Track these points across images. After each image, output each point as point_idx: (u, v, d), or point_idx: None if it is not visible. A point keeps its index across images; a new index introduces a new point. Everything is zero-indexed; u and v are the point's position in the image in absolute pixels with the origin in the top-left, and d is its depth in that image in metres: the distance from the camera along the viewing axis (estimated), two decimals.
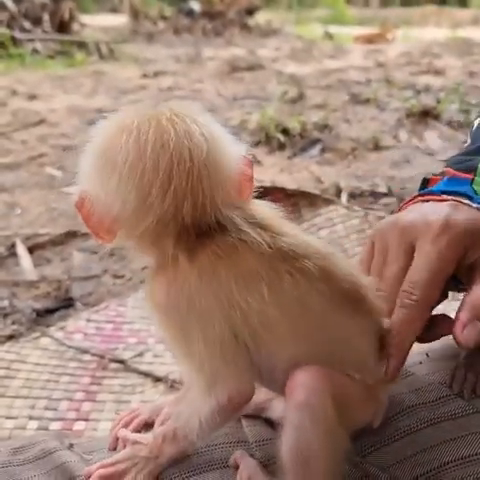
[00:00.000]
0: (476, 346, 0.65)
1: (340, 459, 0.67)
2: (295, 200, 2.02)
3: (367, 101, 4.35)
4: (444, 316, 0.69)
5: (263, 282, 0.59)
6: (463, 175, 0.74)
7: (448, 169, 0.76)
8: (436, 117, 3.69)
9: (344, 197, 2.48)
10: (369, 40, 9.24)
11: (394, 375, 0.67)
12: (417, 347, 1.02)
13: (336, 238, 1.86)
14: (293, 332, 0.63)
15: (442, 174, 0.77)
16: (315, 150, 3.24)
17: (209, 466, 0.75)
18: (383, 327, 0.68)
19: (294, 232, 0.64)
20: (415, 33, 10.53)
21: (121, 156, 0.57)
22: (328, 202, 2.02)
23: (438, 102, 3.93)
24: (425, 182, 0.77)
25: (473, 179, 0.73)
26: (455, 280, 0.70)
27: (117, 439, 0.84)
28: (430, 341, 0.75)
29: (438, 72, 5.68)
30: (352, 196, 2.53)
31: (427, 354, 0.94)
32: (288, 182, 2.66)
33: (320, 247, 0.64)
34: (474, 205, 0.70)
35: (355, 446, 0.79)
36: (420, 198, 0.76)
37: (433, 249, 0.66)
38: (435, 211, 0.69)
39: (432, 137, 3.34)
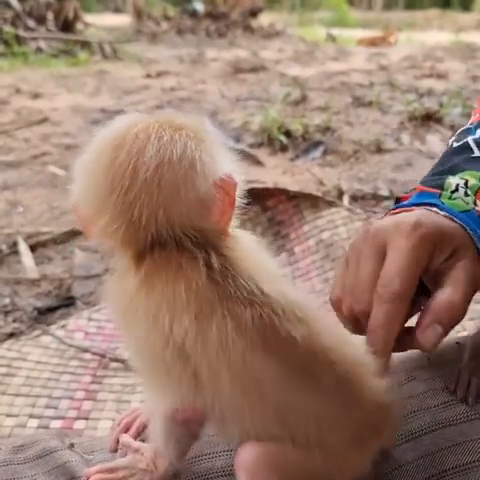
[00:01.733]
0: (434, 348, 0.66)
1: None
2: (297, 202, 2.01)
3: (370, 104, 4.35)
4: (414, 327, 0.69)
5: (188, 313, 0.56)
6: (432, 190, 0.76)
7: (418, 186, 0.79)
8: (439, 121, 3.69)
9: (346, 200, 2.48)
10: (372, 43, 9.25)
11: (382, 371, 0.67)
12: (418, 351, 1.01)
13: (338, 240, 1.86)
14: (212, 376, 0.57)
15: (412, 191, 0.79)
16: (317, 152, 3.24)
17: (210, 474, 0.75)
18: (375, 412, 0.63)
19: (267, 278, 0.59)
20: (418, 36, 10.55)
21: (90, 166, 0.61)
22: (330, 204, 2.01)
23: (441, 106, 3.93)
24: (397, 200, 0.80)
25: (441, 193, 0.75)
26: (426, 292, 0.72)
27: (118, 441, 0.84)
28: (401, 351, 0.75)
29: (441, 76, 5.68)
30: (354, 199, 2.53)
31: (429, 358, 0.94)
32: (290, 184, 2.66)
33: (304, 307, 0.59)
34: (441, 213, 0.72)
35: None
36: (392, 212, 0.78)
37: (407, 243, 0.67)
38: (405, 216, 0.71)
39: (434, 140, 3.34)
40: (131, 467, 0.74)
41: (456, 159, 0.82)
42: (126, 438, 0.79)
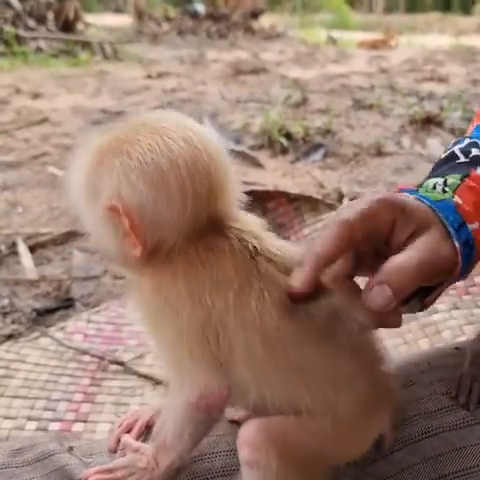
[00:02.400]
0: (382, 308, 0.64)
1: None
2: (297, 204, 2.01)
3: (370, 107, 4.35)
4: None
5: (232, 289, 0.62)
6: (411, 187, 0.77)
7: (399, 185, 0.80)
8: (439, 124, 3.69)
9: (346, 202, 2.48)
10: (373, 46, 9.25)
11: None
12: (419, 356, 1.01)
13: None
14: (247, 346, 0.63)
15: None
16: (318, 155, 3.24)
17: (210, 474, 0.74)
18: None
19: (289, 254, 0.67)
20: (419, 40, 10.55)
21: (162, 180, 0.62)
22: (330, 207, 2.01)
23: (441, 109, 3.93)
24: None
25: (418, 189, 0.75)
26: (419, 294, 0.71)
27: (118, 442, 0.84)
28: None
29: (441, 79, 5.68)
30: None
31: (429, 363, 0.94)
32: (290, 186, 2.66)
33: None
34: (411, 196, 0.72)
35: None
36: None
37: (364, 199, 0.68)
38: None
39: (435, 144, 3.34)
40: (130, 466, 0.73)
41: (442, 167, 0.82)
42: (127, 438, 0.79)
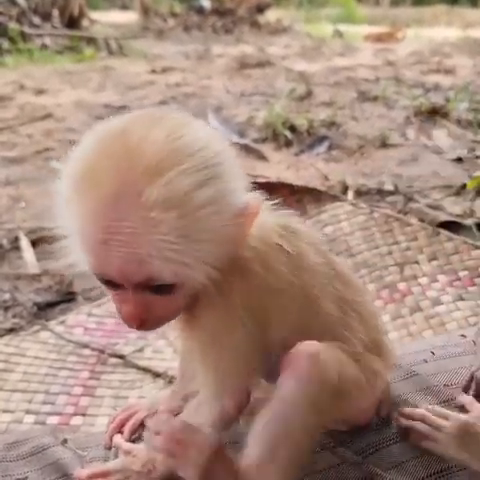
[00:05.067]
0: None
1: (312, 441, 0.69)
2: (300, 196, 2.00)
3: (375, 99, 4.32)
4: None
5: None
6: None
7: None
8: (445, 115, 3.65)
9: (350, 195, 2.46)
10: (379, 39, 9.19)
11: None
12: (421, 344, 1.00)
13: (341, 235, 1.84)
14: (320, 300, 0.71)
15: None
16: (322, 147, 3.22)
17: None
18: None
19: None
20: (426, 32, 10.47)
21: None
22: (334, 199, 2.00)
23: (447, 101, 3.90)
24: None
25: None
26: None
27: (112, 438, 0.83)
28: None
29: (448, 71, 5.63)
30: (358, 194, 2.51)
31: (432, 352, 0.92)
32: (294, 179, 2.64)
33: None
34: None
35: (356, 445, 0.78)
36: None
37: None
38: None
39: (440, 135, 3.31)
40: (124, 470, 0.72)
41: None
42: (117, 439, 0.78)
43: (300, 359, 0.66)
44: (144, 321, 0.65)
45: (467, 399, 0.77)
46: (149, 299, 0.64)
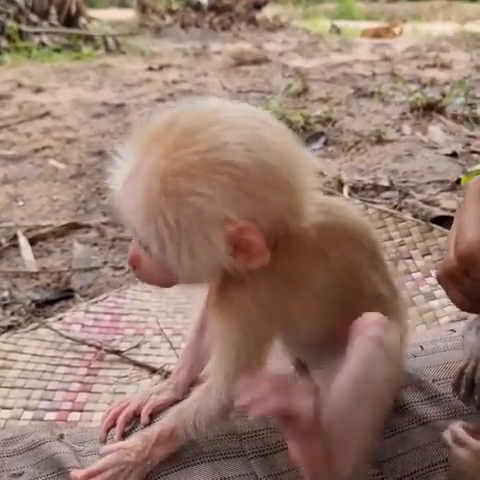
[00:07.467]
0: None
1: (392, 398, 0.73)
2: None
3: (371, 95, 4.32)
4: None
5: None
6: None
7: None
8: (441, 111, 3.66)
9: (346, 190, 2.47)
10: (377, 34, 9.17)
11: None
12: (411, 338, 1.00)
13: None
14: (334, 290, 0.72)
15: None
16: (318, 143, 3.23)
17: (198, 458, 0.75)
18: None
19: None
20: (423, 27, 10.45)
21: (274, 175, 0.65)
22: (329, 195, 2.01)
23: (443, 96, 3.90)
24: None
25: None
26: None
27: (107, 432, 0.84)
28: None
29: (445, 66, 5.63)
30: (354, 189, 2.52)
31: (421, 346, 0.93)
32: None
33: None
34: None
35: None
36: None
37: None
38: None
39: (436, 131, 3.32)
40: (119, 463, 0.73)
41: None
42: (105, 449, 0.77)
43: (373, 325, 0.69)
44: (135, 268, 0.71)
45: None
46: (142, 253, 0.69)
